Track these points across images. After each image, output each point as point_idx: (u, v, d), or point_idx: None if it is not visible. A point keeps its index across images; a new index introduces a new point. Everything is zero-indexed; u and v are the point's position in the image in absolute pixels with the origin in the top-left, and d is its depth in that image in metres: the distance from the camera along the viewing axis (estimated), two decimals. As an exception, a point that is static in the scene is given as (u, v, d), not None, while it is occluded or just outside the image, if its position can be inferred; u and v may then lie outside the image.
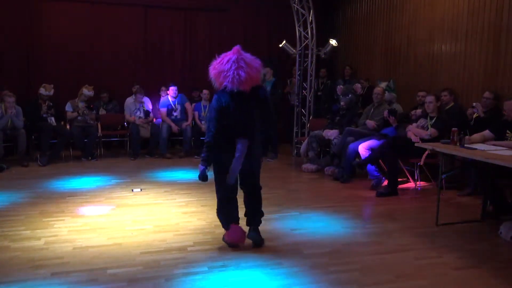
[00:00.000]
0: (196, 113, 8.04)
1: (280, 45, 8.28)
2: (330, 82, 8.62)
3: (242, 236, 3.56)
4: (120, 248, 3.54)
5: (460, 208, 4.86)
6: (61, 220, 4.20)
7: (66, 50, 8.34)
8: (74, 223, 4.12)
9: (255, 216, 3.61)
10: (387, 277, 3.10)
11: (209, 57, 3.49)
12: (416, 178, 5.62)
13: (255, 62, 3.37)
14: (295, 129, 8.34)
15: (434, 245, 3.72)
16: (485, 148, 4.00)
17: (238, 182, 3.55)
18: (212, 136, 3.34)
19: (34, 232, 3.86)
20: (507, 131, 4.31)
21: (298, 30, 8.18)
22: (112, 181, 5.85)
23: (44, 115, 7.09)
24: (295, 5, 8.06)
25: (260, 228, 3.65)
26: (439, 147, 4.25)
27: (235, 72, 3.24)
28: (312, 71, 8.11)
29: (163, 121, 7.78)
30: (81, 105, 7.40)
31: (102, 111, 8.05)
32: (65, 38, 8.32)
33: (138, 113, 7.85)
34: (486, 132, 4.42)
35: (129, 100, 7.96)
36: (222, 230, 3.69)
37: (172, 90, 7.86)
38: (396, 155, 5.43)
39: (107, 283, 2.94)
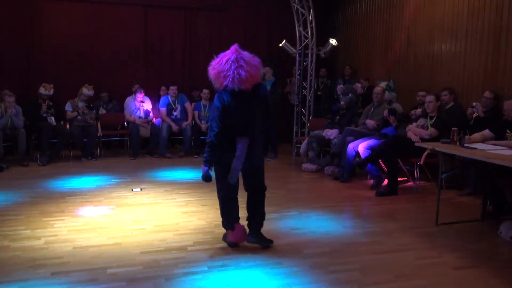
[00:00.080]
0: (196, 112, 8.04)
1: (280, 45, 8.28)
2: (330, 82, 8.62)
3: (244, 236, 3.55)
4: (120, 248, 3.54)
5: (460, 208, 4.85)
6: (61, 220, 4.20)
7: (66, 50, 8.34)
8: (74, 223, 4.12)
9: (254, 217, 3.57)
10: (387, 277, 3.10)
11: (209, 57, 3.48)
12: (416, 177, 5.62)
13: (254, 60, 3.35)
14: (295, 129, 8.34)
15: (434, 245, 3.72)
16: (485, 148, 4.00)
17: (243, 182, 3.53)
18: (215, 135, 3.31)
19: (34, 231, 3.86)
20: (507, 131, 4.31)
21: (298, 29, 8.18)
22: (112, 181, 5.85)
23: (44, 115, 7.09)
24: (295, 5, 8.06)
25: (260, 228, 3.64)
26: (439, 146, 4.25)
27: (235, 72, 3.23)
28: (312, 71, 8.11)
29: (163, 120, 7.78)
30: (81, 104, 7.40)
31: (102, 111, 8.05)
32: (65, 38, 8.32)
33: (138, 113, 7.85)
34: (486, 132, 4.42)
35: (129, 100, 7.96)
36: (222, 230, 3.69)
37: (172, 90, 7.86)
38: (396, 155, 5.43)
39: (107, 283, 2.94)
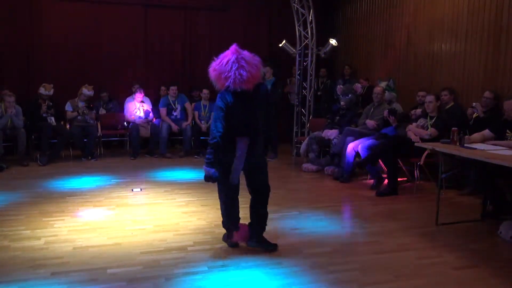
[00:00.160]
0: (196, 112, 8.04)
1: (280, 45, 8.28)
2: (330, 82, 8.62)
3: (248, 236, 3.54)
4: (120, 248, 3.54)
5: (460, 207, 4.86)
6: (61, 220, 4.20)
7: (66, 50, 8.34)
8: (74, 223, 4.12)
9: (256, 218, 3.52)
10: (387, 276, 3.10)
11: (209, 57, 3.47)
12: (416, 177, 5.62)
13: (255, 59, 3.33)
14: (295, 129, 8.34)
15: (434, 245, 3.72)
16: (485, 148, 4.00)
17: (245, 183, 3.51)
18: (220, 136, 3.28)
19: (34, 232, 3.86)
20: (507, 131, 4.31)
21: (298, 29, 8.18)
22: (112, 181, 5.85)
23: (44, 115, 7.09)
24: (295, 5, 8.06)
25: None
26: (439, 146, 4.25)
27: (237, 72, 3.20)
28: (312, 71, 8.11)
29: (163, 120, 7.78)
30: (81, 104, 7.40)
31: (102, 111, 8.06)
32: (65, 38, 8.32)
33: (138, 113, 7.85)
34: (486, 132, 4.42)
35: (129, 100, 7.96)
36: (222, 230, 3.69)
37: (172, 90, 7.86)
38: (396, 155, 5.43)
39: (107, 283, 2.94)
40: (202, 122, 7.94)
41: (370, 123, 6.17)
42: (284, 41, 8.25)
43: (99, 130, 7.69)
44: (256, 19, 9.44)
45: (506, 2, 5.34)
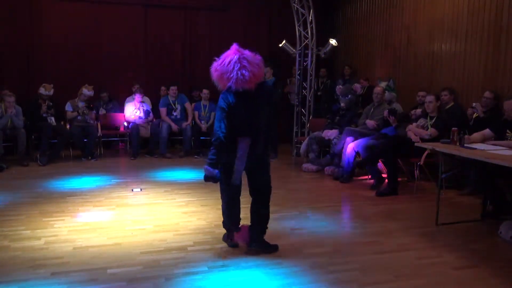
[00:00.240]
0: (196, 112, 8.04)
1: (280, 45, 8.28)
2: (330, 82, 8.63)
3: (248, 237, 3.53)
4: (120, 248, 3.54)
5: (460, 208, 4.85)
6: (61, 220, 4.20)
7: (66, 50, 8.35)
8: (74, 223, 4.12)
9: (256, 219, 3.50)
10: (387, 276, 3.10)
11: (209, 56, 3.46)
12: (416, 177, 5.62)
13: (256, 58, 3.31)
14: (295, 129, 8.34)
15: (434, 245, 3.72)
16: (485, 148, 4.00)
17: (247, 183, 3.49)
18: (224, 136, 3.27)
19: (34, 232, 3.86)
20: (507, 131, 4.31)
21: (298, 29, 8.18)
22: (112, 181, 5.85)
23: (44, 115, 7.09)
24: (295, 5, 8.06)
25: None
26: (439, 146, 4.25)
27: (239, 73, 3.18)
28: (312, 71, 8.11)
29: (163, 120, 7.77)
30: (81, 105, 7.40)
31: (102, 111, 8.06)
32: (65, 38, 8.32)
33: (138, 113, 7.85)
34: (487, 131, 4.42)
35: (129, 100, 7.96)
36: (222, 230, 3.69)
37: (172, 90, 7.86)
38: (396, 155, 5.43)
39: (107, 283, 2.94)
40: (202, 122, 7.94)
41: (370, 123, 6.17)
42: (284, 41, 8.25)
43: (99, 130, 7.69)
44: (256, 19, 9.44)
45: (506, 2, 5.34)
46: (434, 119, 5.32)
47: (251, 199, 3.53)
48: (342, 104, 6.70)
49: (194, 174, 6.23)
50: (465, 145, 4.08)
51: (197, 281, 2.98)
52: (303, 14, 8.04)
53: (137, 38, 8.79)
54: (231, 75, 3.20)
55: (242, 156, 3.28)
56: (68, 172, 6.33)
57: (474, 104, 5.35)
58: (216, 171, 3.30)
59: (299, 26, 8.17)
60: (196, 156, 7.59)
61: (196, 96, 8.57)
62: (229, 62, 3.23)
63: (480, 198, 4.66)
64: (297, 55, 8.23)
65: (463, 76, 6.03)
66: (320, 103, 8.47)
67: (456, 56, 6.16)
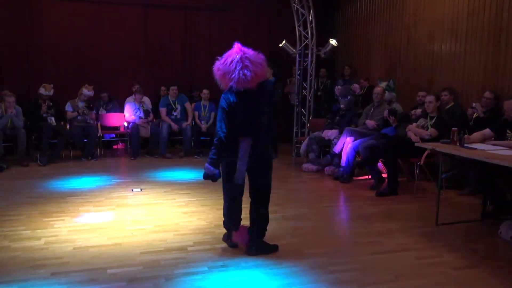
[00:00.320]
0: (196, 113, 8.04)
1: (280, 45, 8.28)
2: (330, 82, 8.63)
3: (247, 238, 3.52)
4: (120, 248, 3.54)
5: (460, 208, 4.85)
6: (61, 220, 4.20)
7: (66, 50, 8.35)
8: (74, 223, 4.12)
9: (253, 218, 3.48)
10: (387, 276, 3.10)
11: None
12: (416, 177, 5.62)
13: (259, 57, 3.29)
14: (295, 129, 8.34)
15: (434, 245, 3.72)
16: (485, 148, 4.00)
17: (248, 184, 3.48)
18: (225, 136, 3.28)
19: (34, 232, 3.86)
20: (507, 131, 4.31)
21: (298, 30, 8.18)
22: (112, 181, 5.85)
23: (44, 115, 7.09)
24: (295, 5, 8.06)
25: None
26: (439, 147, 4.25)
27: (241, 72, 3.16)
28: (312, 71, 8.11)
29: (163, 120, 7.77)
30: (81, 105, 7.41)
31: (102, 111, 8.06)
32: (65, 38, 8.33)
33: (138, 113, 7.85)
34: (487, 131, 4.42)
35: (129, 100, 7.97)
36: (222, 230, 3.69)
37: (172, 90, 7.87)
38: (396, 155, 5.43)
39: (107, 283, 2.94)
40: (202, 122, 7.94)
41: (370, 123, 6.17)
42: (284, 41, 8.25)
43: (99, 130, 7.69)
44: (256, 19, 9.45)
45: (506, 2, 5.34)
46: (434, 119, 5.32)
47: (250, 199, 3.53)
48: (342, 106, 6.70)
49: (194, 174, 6.23)
50: (465, 145, 4.08)
51: (197, 281, 2.98)
52: (303, 14, 8.03)
53: (137, 38, 8.79)
54: (233, 75, 3.19)
55: (243, 156, 3.27)
56: (68, 172, 6.33)
57: (474, 104, 5.35)
58: (217, 170, 3.29)
59: (299, 26, 8.17)
60: (196, 156, 7.59)
61: (196, 96, 8.57)
62: (231, 61, 3.21)
63: (480, 198, 4.66)
64: (297, 55, 8.23)
65: (463, 76, 6.03)
66: (320, 103, 8.47)
67: (456, 56, 6.16)
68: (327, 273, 3.13)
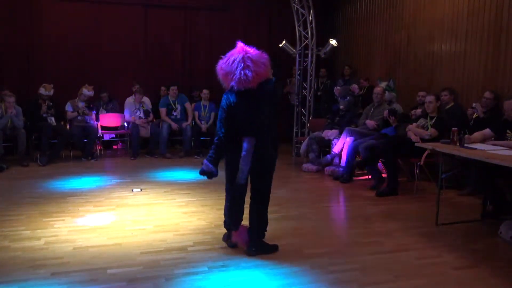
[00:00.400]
0: (196, 113, 8.04)
1: (280, 45, 8.28)
2: (330, 82, 8.63)
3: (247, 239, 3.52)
4: (120, 248, 3.54)
5: (460, 208, 4.85)
6: (61, 220, 4.20)
7: (66, 50, 8.35)
8: (74, 223, 4.12)
9: (253, 217, 3.48)
10: (387, 277, 3.10)
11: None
12: (416, 177, 5.62)
13: (262, 57, 3.27)
14: (295, 129, 8.34)
15: (434, 245, 3.72)
16: (485, 148, 4.00)
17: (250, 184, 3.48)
18: (223, 135, 3.30)
19: (34, 232, 3.86)
20: (507, 131, 4.31)
21: (298, 30, 8.18)
22: (112, 181, 5.85)
23: (44, 115, 7.09)
24: (295, 5, 8.06)
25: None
26: (439, 147, 4.25)
27: (242, 73, 3.16)
28: (312, 71, 8.11)
29: (163, 120, 7.78)
30: (81, 105, 7.41)
31: (102, 111, 8.06)
32: (65, 38, 8.33)
33: (138, 113, 7.85)
34: (487, 131, 4.42)
35: (129, 100, 7.96)
36: (222, 230, 3.69)
37: (172, 90, 7.87)
38: (396, 155, 5.43)
39: (107, 283, 2.94)
40: (202, 122, 7.94)
41: (370, 123, 6.17)
42: (284, 41, 8.25)
43: (99, 130, 7.69)
44: (256, 19, 9.45)
45: (506, 2, 5.34)
46: (434, 119, 5.32)
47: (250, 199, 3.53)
48: (342, 107, 6.70)
49: (194, 174, 6.22)
50: (465, 145, 4.08)
51: (197, 281, 2.98)
52: (303, 14, 8.03)
53: (137, 38, 8.79)
54: (234, 75, 3.19)
55: (246, 156, 3.26)
56: (68, 172, 6.33)
57: (474, 104, 5.34)
58: (214, 169, 3.33)
59: (299, 26, 8.17)
60: (196, 156, 7.59)
61: (196, 96, 8.57)
62: (233, 61, 3.21)
63: (480, 198, 4.66)
64: (297, 55, 8.23)
65: (463, 76, 6.03)
66: (320, 103, 8.47)
67: (456, 56, 6.16)
68: (327, 273, 3.13)
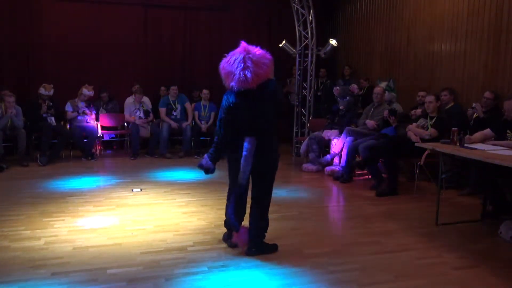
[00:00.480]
0: (196, 113, 8.04)
1: (280, 45, 8.28)
2: (329, 82, 8.63)
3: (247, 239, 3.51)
4: (120, 248, 3.54)
5: (460, 208, 4.85)
6: (61, 220, 4.20)
7: (66, 50, 8.34)
8: (74, 223, 4.12)
9: (253, 217, 3.48)
10: (387, 277, 3.10)
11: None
12: (416, 177, 5.62)
13: (264, 58, 3.24)
14: (295, 129, 8.34)
15: (434, 245, 3.72)
16: (485, 148, 4.00)
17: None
18: (223, 136, 3.31)
19: (34, 232, 3.86)
20: (508, 131, 4.31)
21: (298, 30, 8.18)
22: (112, 181, 5.85)
23: (44, 115, 7.09)
24: (295, 5, 8.06)
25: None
26: (439, 147, 4.24)
27: (242, 73, 3.15)
28: (312, 71, 8.11)
29: (162, 120, 7.78)
30: (81, 105, 7.41)
31: (102, 111, 8.06)
32: (65, 38, 8.32)
33: (138, 113, 7.85)
34: (487, 131, 4.42)
35: (129, 100, 7.96)
36: (222, 230, 3.69)
37: (172, 90, 7.87)
38: (396, 155, 5.43)
39: (107, 283, 2.94)
40: (202, 122, 7.94)
41: (370, 123, 6.17)
42: (284, 41, 8.25)
43: (99, 130, 7.69)
44: (256, 19, 9.44)
45: (506, 2, 5.34)
46: (434, 119, 5.32)
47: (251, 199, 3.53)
48: (341, 107, 6.70)
49: (194, 174, 6.22)
50: (465, 145, 4.08)
51: (197, 281, 2.98)
52: (303, 14, 8.03)
53: (137, 38, 8.79)
54: (234, 75, 3.19)
55: (247, 156, 3.26)
56: (68, 172, 6.33)
57: (474, 104, 5.34)
58: (212, 166, 3.37)
59: (299, 26, 8.17)
60: (196, 156, 7.59)
61: (196, 96, 8.57)
62: (234, 61, 3.21)
63: (480, 198, 4.66)
64: (297, 55, 8.23)
65: (463, 76, 6.03)
66: (320, 103, 8.47)
67: (456, 56, 6.16)
68: (327, 273, 3.13)
